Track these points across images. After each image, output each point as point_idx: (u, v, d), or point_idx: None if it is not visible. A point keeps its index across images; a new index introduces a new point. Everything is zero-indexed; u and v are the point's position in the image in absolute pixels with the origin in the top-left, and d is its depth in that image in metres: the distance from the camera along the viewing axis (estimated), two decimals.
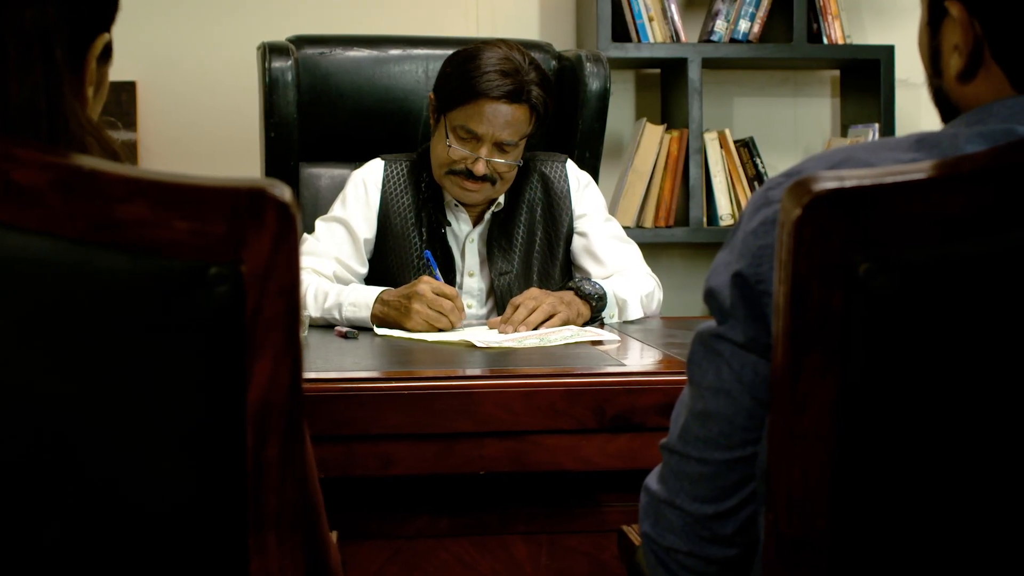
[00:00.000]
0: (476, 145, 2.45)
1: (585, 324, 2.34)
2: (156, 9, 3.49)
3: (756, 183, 3.65)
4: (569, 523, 1.82)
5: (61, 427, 0.89)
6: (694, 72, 3.51)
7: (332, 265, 2.52)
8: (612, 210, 3.31)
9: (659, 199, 3.59)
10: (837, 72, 3.84)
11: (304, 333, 2.20)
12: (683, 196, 3.58)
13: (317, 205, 2.76)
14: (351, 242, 2.56)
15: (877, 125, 3.57)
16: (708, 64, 3.56)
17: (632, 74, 3.80)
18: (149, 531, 0.91)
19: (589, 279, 2.46)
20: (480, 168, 2.45)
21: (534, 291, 2.32)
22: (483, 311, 2.61)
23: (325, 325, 2.38)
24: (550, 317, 2.27)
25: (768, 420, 0.98)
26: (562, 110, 2.75)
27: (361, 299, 2.34)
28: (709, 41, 3.56)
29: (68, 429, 0.89)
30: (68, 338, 0.88)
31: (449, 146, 2.46)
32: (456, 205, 2.57)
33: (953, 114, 1.10)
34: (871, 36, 3.81)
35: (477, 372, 1.90)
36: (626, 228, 2.92)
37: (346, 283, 2.50)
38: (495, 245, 2.58)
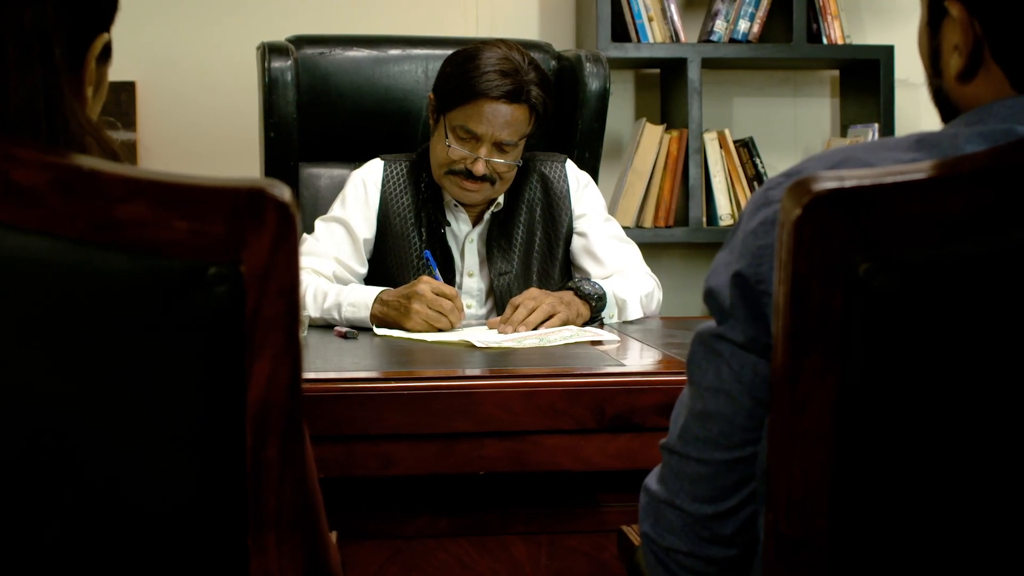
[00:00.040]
0: (475, 145, 2.45)
1: (585, 324, 2.34)
2: (156, 9, 3.49)
3: (756, 183, 3.65)
4: (569, 523, 1.82)
5: (61, 427, 0.89)
6: (694, 72, 3.51)
7: (332, 265, 2.52)
8: (612, 210, 3.31)
9: (659, 199, 3.59)
10: (837, 72, 3.84)
11: (304, 333, 2.19)
12: (683, 196, 3.58)
13: (317, 205, 2.76)
14: (351, 242, 2.56)
15: (877, 125, 3.57)
16: (708, 64, 3.56)
17: (632, 74, 3.80)
18: (149, 531, 0.91)
19: (588, 279, 2.46)
20: (479, 168, 2.45)
21: (534, 291, 2.32)
22: (483, 311, 2.61)
23: (324, 325, 2.38)
24: (550, 317, 2.27)
25: (768, 420, 0.98)
26: (562, 110, 2.75)
27: (360, 299, 2.34)
28: (709, 41, 3.56)
29: (68, 429, 0.89)
30: (68, 338, 0.88)
31: (448, 146, 2.46)
32: (455, 205, 2.57)
33: (953, 114, 1.10)
34: (870, 36, 3.81)
35: (477, 372, 1.89)
36: (625, 228, 2.92)
37: (345, 283, 2.50)
38: (494, 245, 2.58)
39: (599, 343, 2.13)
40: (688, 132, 3.54)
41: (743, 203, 3.62)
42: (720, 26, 3.56)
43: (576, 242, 2.63)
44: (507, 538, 1.81)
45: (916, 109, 3.77)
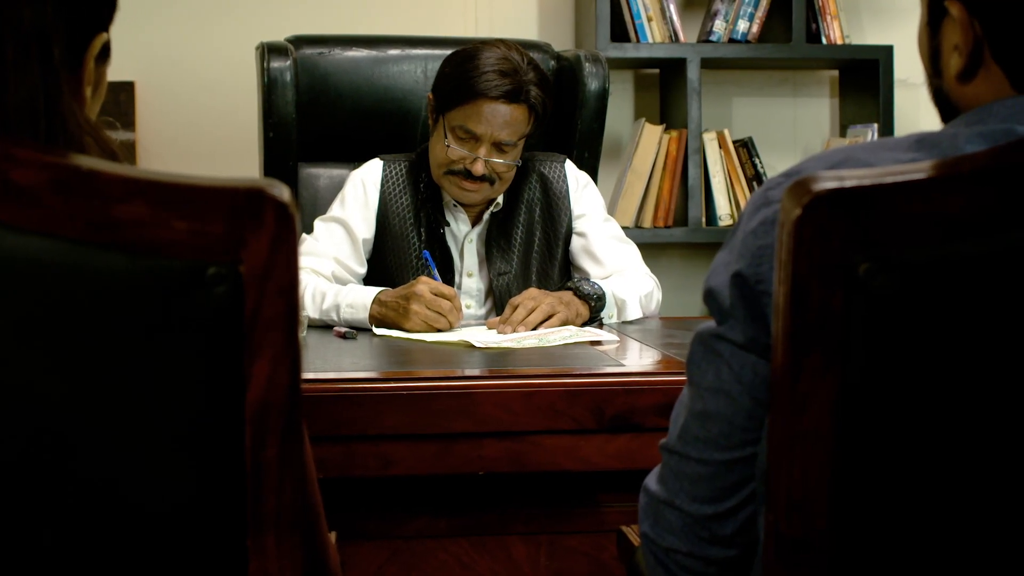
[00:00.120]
0: (475, 145, 2.45)
1: (584, 324, 2.34)
2: (155, 9, 3.48)
3: (755, 183, 3.65)
4: (568, 523, 1.82)
5: (60, 427, 0.89)
6: (693, 72, 3.51)
7: (331, 265, 2.52)
8: (611, 210, 3.31)
9: (658, 199, 3.59)
10: (836, 72, 3.84)
11: (303, 333, 2.19)
12: (682, 196, 3.58)
13: (316, 205, 2.76)
14: (350, 242, 2.55)
15: (876, 125, 3.57)
16: (707, 64, 3.56)
17: (631, 74, 3.80)
18: (148, 531, 0.91)
19: (588, 279, 2.46)
20: (479, 168, 2.44)
21: (533, 291, 2.32)
22: (482, 311, 2.61)
23: (324, 325, 2.38)
24: (549, 317, 2.27)
25: (768, 420, 0.98)
26: (561, 110, 2.75)
27: (359, 300, 2.34)
28: (708, 41, 3.56)
29: (67, 429, 0.89)
30: (67, 338, 0.88)
31: (448, 146, 2.46)
32: (455, 205, 2.56)
33: (953, 114, 1.10)
34: (870, 36, 3.81)
35: (476, 372, 1.89)
36: (625, 228, 2.92)
37: (345, 283, 2.50)
38: (494, 245, 2.58)
39: (598, 343, 2.13)
40: (687, 132, 3.54)
41: (742, 203, 3.62)
42: (719, 26, 3.56)
43: (575, 242, 2.63)
44: (507, 538, 1.81)
45: (915, 109, 3.77)
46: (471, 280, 2.59)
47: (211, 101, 3.54)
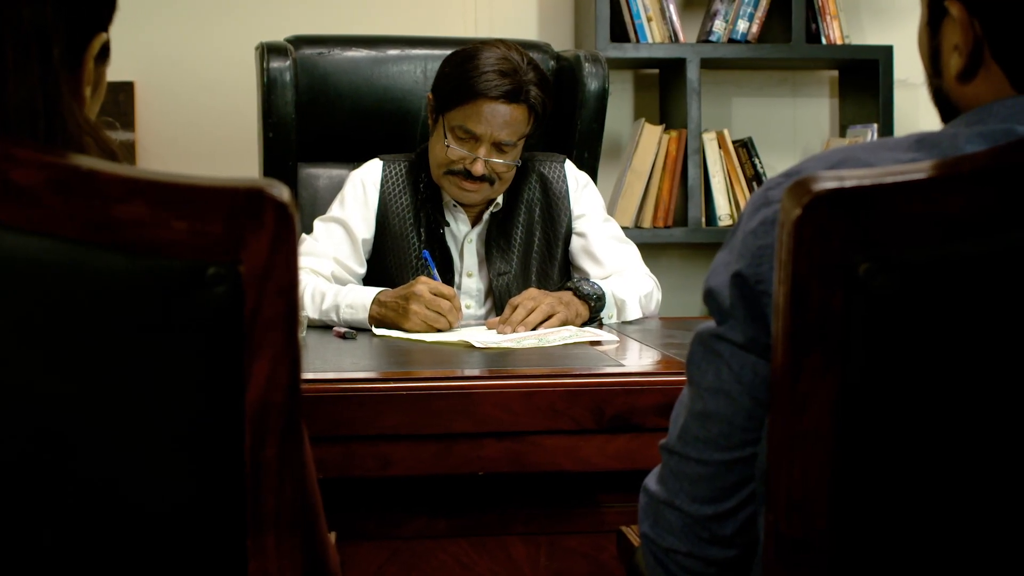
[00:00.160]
0: (474, 145, 2.45)
1: (584, 324, 2.34)
2: (154, 9, 3.48)
3: (755, 183, 3.65)
4: (568, 524, 1.82)
5: (60, 427, 0.89)
6: (692, 72, 3.51)
7: (330, 265, 2.52)
8: (611, 210, 3.31)
9: (657, 199, 3.59)
10: (836, 72, 3.84)
11: (302, 334, 2.19)
12: (681, 196, 3.58)
13: (315, 205, 2.76)
14: (349, 242, 2.55)
15: (876, 125, 3.57)
16: (706, 64, 3.56)
17: (630, 74, 3.80)
18: (148, 531, 0.91)
19: (588, 279, 2.46)
20: (478, 168, 2.44)
21: (532, 291, 2.32)
22: (481, 311, 2.61)
23: (323, 326, 2.38)
24: (549, 317, 2.27)
25: (768, 420, 0.98)
26: (561, 110, 2.75)
27: (358, 300, 2.34)
28: (708, 41, 3.56)
29: (67, 429, 0.89)
30: (67, 338, 0.88)
31: (447, 146, 2.46)
32: (455, 205, 2.56)
33: (953, 114, 1.10)
34: (870, 36, 3.81)
35: (476, 372, 1.89)
36: (624, 228, 2.92)
37: (344, 283, 2.50)
38: (493, 245, 2.58)
39: (598, 343, 2.13)
40: (687, 132, 3.54)
41: (742, 203, 3.62)
42: (719, 26, 3.56)
43: (575, 242, 2.63)
44: (506, 539, 1.81)
45: (915, 109, 3.77)
46: (471, 280, 2.59)
47: (211, 101, 3.54)
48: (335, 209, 2.59)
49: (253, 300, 0.88)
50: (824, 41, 3.60)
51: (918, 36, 1.14)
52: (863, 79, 3.66)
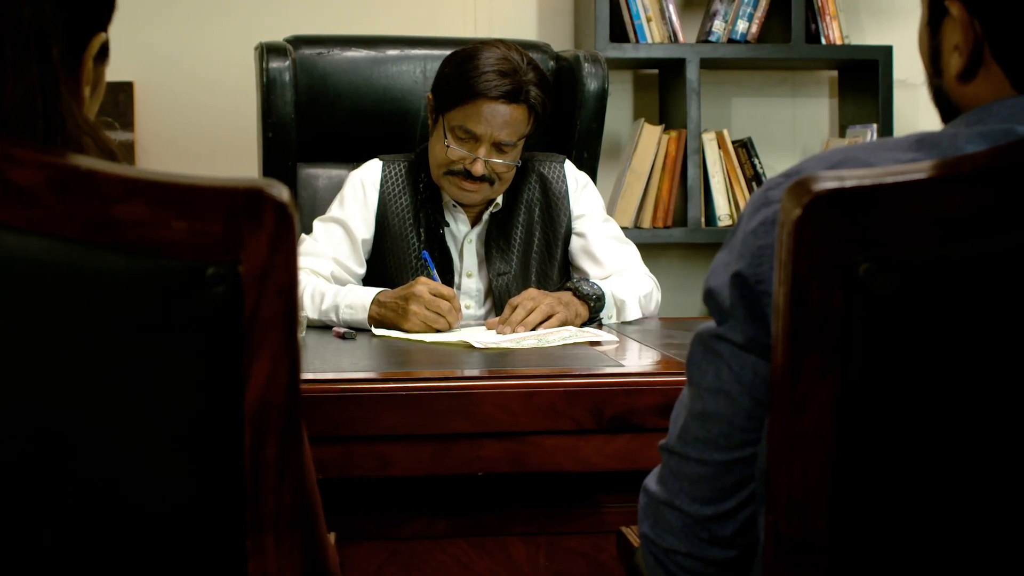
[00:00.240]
0: (474, 145, 2.45)
1: (583, 325, 2.34)
2: (153, 9, 3.48)
3: (754, 183, 3.65)
4: (568, 524, 1.82)
5: (60, 427, 0.89)
6: (692, 72, 3.51)
7: (330, 265, 2.51)
8: (610, 210, 3.31)
9: (657, 199, 3.59)
10: (835, 72, 3.84)
11: (302, 334, 2.19)
12: (681, 196, 3.58)
13: (315, 205, 2.76)
14: (349, 243, 2.55)
15: (875, 125, 3.57)
16: (706, 64, 3.56)
17: (630, 74, 3.80)
18: (147, 531, 0.91)
19: (587, 279, 2.46)
20: (478, 168, 2.44)
21: (532, 291, 2.32)
22: (481, 312, 2.61)
23: (323, 326, 2.38)
24: (548, 317, 2.27)
25: (768, 420, 0.98)
26: (560, 110, 2.75)
27: (358, 301, 2.34)
28: (707, 41, 3.56)
29: (67, 429, 0.89)
30: (66, 338, 0.88)
31: (447, 146, 2.46)
32: (454, 206, 2.56)
33: (953, 114, 1.10)
34: (869, 36, 3.81)
35: (475, 373, 1.89)
36: (624, 229, 2.92)
37: (344, 284, 2.50)
38: (493, 246, 2.58)
39: (598, 344, 2.13)
40: (686, 132, 3.54)
41: (742, 203, 3.62)
42: (718, 26, 3.56)
43: (575, 242, 2.63)
44: (506, 539, 1.81)
45: (915, 109, 3.77)
46: (470, 280, 2.59)
47: (210, 101, 3.54)
48: (335, 209, 2.59)
49: (252, 300, 0.88)
50: (824, 41, 3.60)
51: (918, 36, 1.14)
52: (863, 79, 3.66)
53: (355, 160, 2.69)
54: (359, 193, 2.58)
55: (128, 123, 3.46)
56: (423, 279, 2.29)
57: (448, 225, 2.57)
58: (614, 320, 2.45)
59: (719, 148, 3.64)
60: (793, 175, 1.03)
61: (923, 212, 0.90)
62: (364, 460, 1.68)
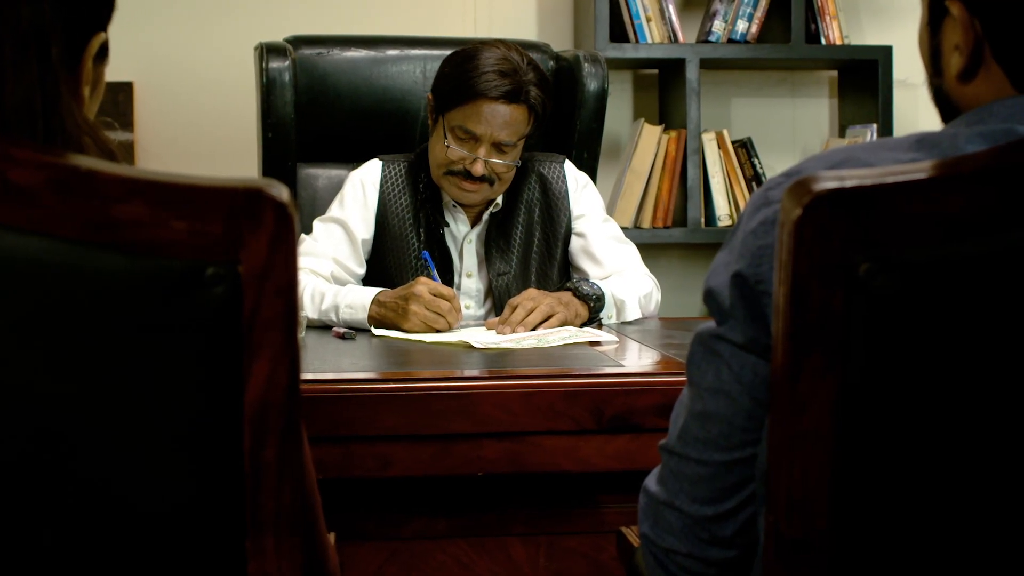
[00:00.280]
0: (474, 145, 2.45)
1: (583, 325, 2.34)
2: (153, 9, 3.48)
3: (754, 184, 3.65)
4: (568, 524, 1.82)
5: (59, 427, 0.89)
6: (692, 72, 3.51)
7: (330, 266, 2.51)
8: (610, 211, 3.31)
9: (657, 200, 3.59)
10: (835, 72, 3.84)
11: (301, 334, 2.19)
12: (681, 197, 3.58)
13: (315, 206, 2.76)
14: (349, 243, 2.55)
15: (875, 125, 3.57)
16: (706, 64, 3.56)
17: (630, 74, 3.80)
18: (147, 532, 0.91)
19: (587, 280, 2.46)
20: (478, 168, 2.44)
21: (532, 292, 2.32)
22: (481, 312, 2.61)
23: (323, 326, 2.38)
24: (548, 318, 2.27)
25: (768, 421, 0.98)
26: (560, 110, 2.75)
27: (357, 301, 2.34)
28: (707, 42, 3.56)
29: (66, 429, 0.89)
30: (66, 338, 0.88)
31: (447, 146, 2.46)
32: (454, 206, 2.56)
33: (953, 114, 1.10)
34: (869, 36, 3.81)
35: (475, 373, 1.89)
36: (624, 229, 2.92)
37: (343, 284, 2.50)
38: (493, 246, 2.58)
39: (597, 344, 2.13)
40: (686, 132, 3.54)
41: (741, 204, 3.62)
42: (718, 26, 3.56)
43: (575, 242, 2.63)
44: (506, 539, 1.81)
45: (914, 109, 3.77)
46: (470, 280, 2.59)
47: (210, 101, 3.54)
48: (334, 209, 2.59)
49: (252, 300, 0.88)
50: (823, 41, 3.60)
51: (919, 36, 1.14)
52: (862, 79, 3.66)
53: (355, 160, 2.69)
54: (359, 193, 2.58)
55: (128, 123, 3.46)
56: (423, 279, 2.29)
57: (448, 225, 2.57)
58: (614, 320, 2.45)
59: (719, 148, 3.64)
60: (793, 175, 1.03)
61: (923, 212, 0.90)
62: (364, 460, 1.68)
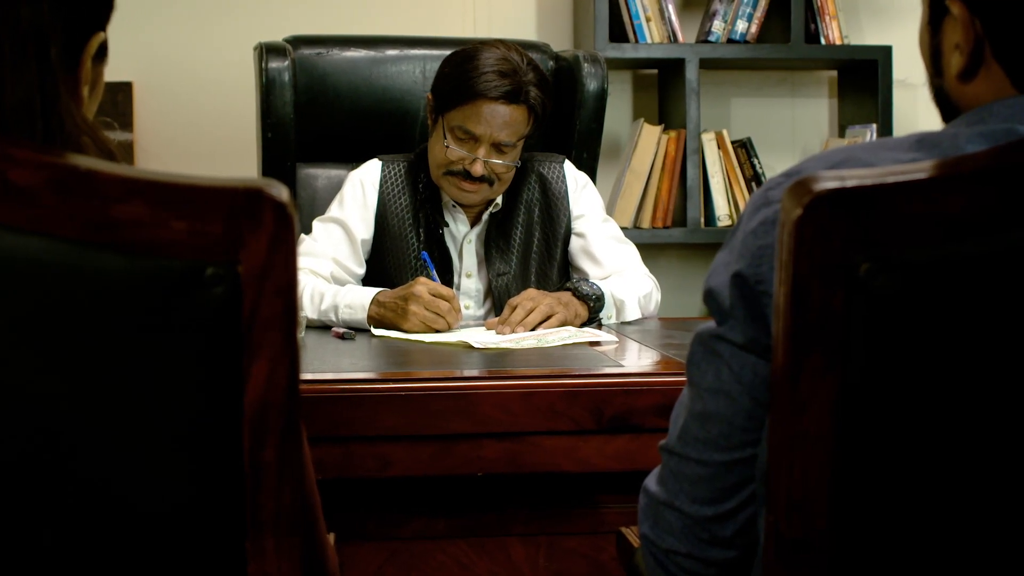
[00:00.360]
0: (474, 146, 2.45)
1: (583, 325, 2.33)
2: (153, 9, 3.48)
3: (754, 184, 3.65)
4: (567, 524, 1.82)
5: (59, 427, 0.88)
6: (691, 72, 3.51)
7: (329, 266, 2.51)
8: (610, 211, 3.31)
9: (656, 200, 3.59)
10: (835, 72, 3.84)
11: (301, 334, 2.19)
12: (680, 197, 3.58)
13: (314, 206, 2.76)
14: (348, 243, 2.55)
15: (875, 125, 3.57)
16: (705, 64, 3.56)
17: (629, 74, 3.80)
18: (147, 532, 0.91)
19: (587, 280, 2.46)
20: (478, 169, 2.44)
21: (532, 292, 2.32)
22: (481, 312, 2.61)
23: (322, 326, 2.38)
24: (548, 318, 2.27)
25: (768, 421, 0.98)
26: (560, 111, 2.75)
27: (357, 301, 2.34)
28: (706, 42, 3.56)
29: (66, 429, 0.89)
30: (65, 339, 0.88)
31: (447, 147, 2.46)
32: (454, 206, 2.56)
33: (954, 114, 1.10)
34: (869, 36, 3.81)
35: (475, 373, 1.89)
36: (624, 229, 2.92)
37: (343, 284, 2.50)
38: (493, 246, 2.57)
39: (597, 344, 2.13)
40: (686, 132, 3.54)
41: (741, 204, 3.62)
42: (718, 26, 3.56)
43: (574, 243, 2.63)
44: (505, 539, 1.81)
45: (914, 109, 3.77)
46: (470, 281, 2.59)
47: (209, 101, 3.54)
48: (334, 209, 2.59)
49: (252, 300, 0.88)
50: (823, 41, 3.60)
51: (919, 35, 1.14)
52: (862, 79, 3.66)
53: (354, 160, 2.69)
54: (358, 193, 2.58)
55: (127, 123, 3.46)
56: (422, 279, 2.29)
57: (447, 225, 2.57)
58: (614, 320, 2.45)
59: (718, 148, 3.64)
60: (793, 175, 1.03)
61: (924, 212, 0.90)
62: (364, 460, 1.68)
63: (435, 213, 2.56)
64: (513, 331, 2.22)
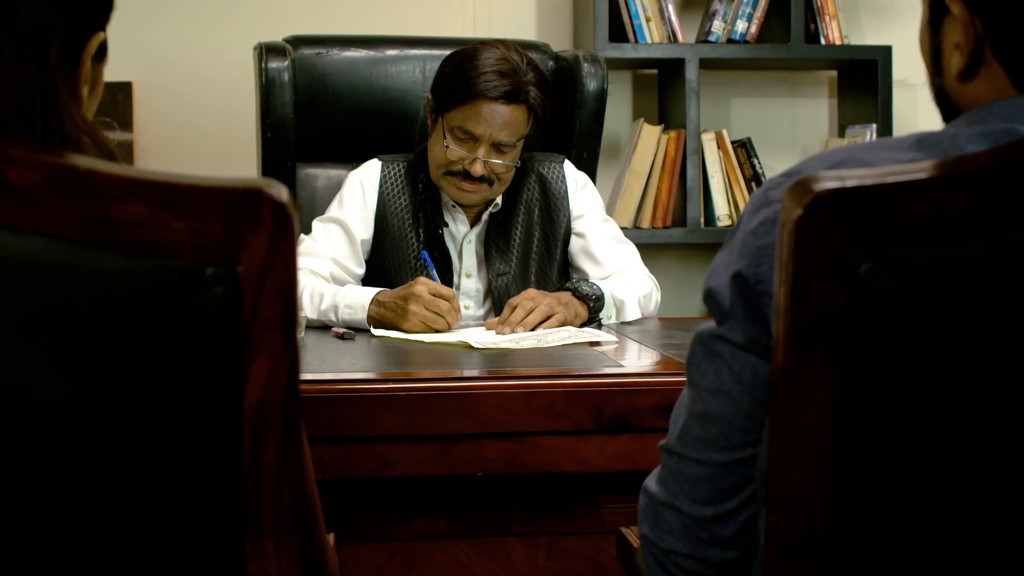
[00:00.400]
0: (474, 146, 2.45)
1: (583, 325, 2.33)
2: (152, 9, 3.48)
3: (754, 184, 3.65)
4: (567, 525, 1.82)
5: (59, 427, 0.88)
6: (691, 72, 3.51)
7: (329, 266, 2.51)
8: (609, 211, 3.31)
9: (656, 200, 3.59)
10: (834, 72, 3.84)
11: (301, 334, 2.19)
12: (680, 197, 3.58)
13: (314, 206, 2.76)
14: (348, 243, 2.55)
15: (875, 125, 3.57)
16: (705, 64, 3.56)
17: (629, 75, 3.80)
18: (147, 532, 0.91)
19: (587, 280, 2.46)
20: (478, 169, 2.44)
21: (532, 292, 2.32)
22: (480, 312, 2.61)
23: (322, 326, 2.38)
24: (548, 318, 2.27)
25: (768, 421, 0.98)
26: (560, 111, 2.75)
27: (357, 301, 2.34)
28: (706, 42, 3.56)
29: (66, 430, 0.89)
30: (65, 339, 0.88)
31: (447, 147, 2.46)
32: (454, 206, 2.56)
33: (954, 113, 1.10)
34: (868, 36, 3.81)
35: (475, 373, 1.89)
36: (623, 229, 2.92)
37: (343, 284, 2.50)
38: (493, 246, 2.57)
39: (597, 344, 2.13)
40: (686, 132, 3.54)
41: (741, 204, 3.63)
42: (718, 26, 3.56)
43: (574, 243, 2.63)
44: (505, 539, 1.81)
45: (914, 109, 3.77)
46: (470, 281, 2.59)
47: (209, 101, 3.54)
48: (334, 209, 2.59)
49: (251, 300, 0.88)
50: (823, 41, 3.60)
51: (919, 35, 1.14)
52: (862, 79, 3.66)
53: (354, 160, 2.69)
54: (358, 193, 2.58)
55: (127, 123, 3.46)
56: (422, 279, 2.29)
57: (447, 225, 2.57)
58: (613, 320, 2.45)
59: (718, 148, 3.64)
60: (793, 175, 1.03)
61: (924, 212, 0.90)
62: (364, 460, 1.68)
63: (435, 213, 2.56)
64: (513, 331, 2.22)
